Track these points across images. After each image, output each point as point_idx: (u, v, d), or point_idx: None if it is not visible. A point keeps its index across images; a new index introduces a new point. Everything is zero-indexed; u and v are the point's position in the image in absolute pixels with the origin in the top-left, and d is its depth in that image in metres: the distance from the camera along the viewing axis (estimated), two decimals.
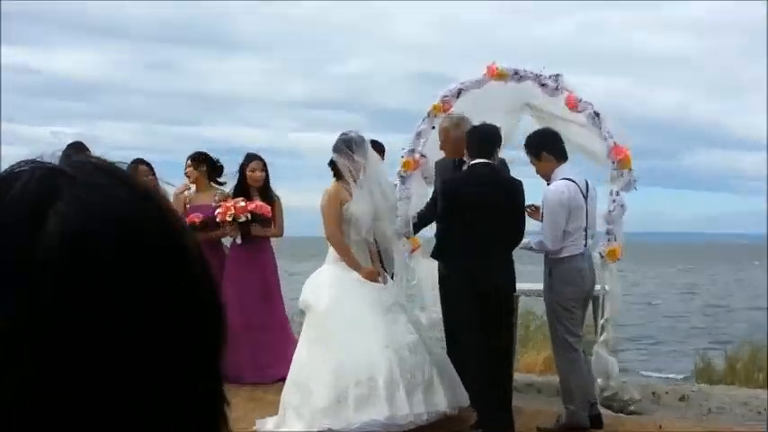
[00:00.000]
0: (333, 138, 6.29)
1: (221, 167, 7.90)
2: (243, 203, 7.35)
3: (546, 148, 6.29)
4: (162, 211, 0.67)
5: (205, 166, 7.78)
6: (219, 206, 7.42)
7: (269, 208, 7.45)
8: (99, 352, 0.61)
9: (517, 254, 6.28)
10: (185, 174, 7.84)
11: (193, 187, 7.87)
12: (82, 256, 0.61)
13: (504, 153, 7.45)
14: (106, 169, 0.67)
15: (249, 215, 7.36)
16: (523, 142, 6.47)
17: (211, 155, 7.89)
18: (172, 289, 0.64)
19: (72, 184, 0.64)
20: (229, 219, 7.32)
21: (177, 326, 0.64)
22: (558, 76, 7.08)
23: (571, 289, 6.17)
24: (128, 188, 0.66)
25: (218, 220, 7.38)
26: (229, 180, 7.79)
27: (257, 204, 7.38)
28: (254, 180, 7.58)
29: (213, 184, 7.88)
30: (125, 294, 0.62)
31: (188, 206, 7.70)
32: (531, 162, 6.39)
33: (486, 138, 6.13)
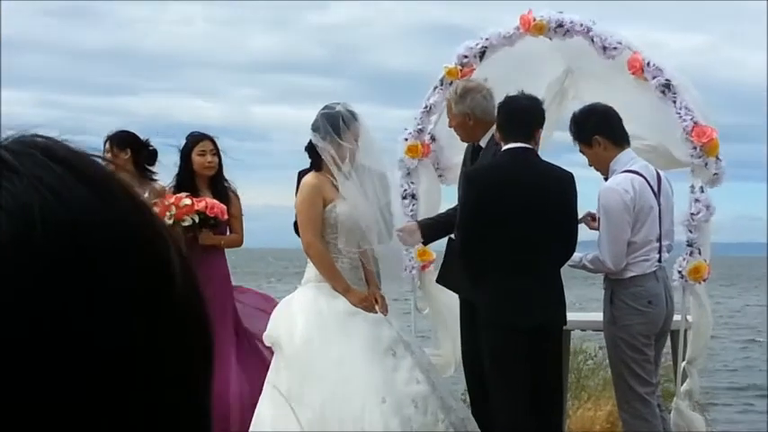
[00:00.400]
0: (312, 113, 6.28)
1: (154, 152, 7.77)
2: (188, 201, 7.23)
3: (600, 129, 6.31)
4: (138, 220, 0.71)
5: (130, 150, 7.65)
6: (156, 205, 7.27)
7: (224, 207, 7.37)
8: (43, 380, 0.66)
9: (566, 273, 6.30)
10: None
11: None
12: (13, 274, 0.65)
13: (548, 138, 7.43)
14: (61, 158, 0.69)
15: (197, 217, 7.23)
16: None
17: (140, 135, 7.76)
18: (142, 319, 0.69)
19: (10, 178, 0.66)
20: (169, 221, 7.18)
21: (150, 361, 0.70)
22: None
23: (641, 320, 6.19)
24: (90, 187, 0.68)
25: None
26: (166, 171, 7.68)
27: (208, 202, 7.28)
28: (204, 167, 7.48)
29: (143, 176, 7.74)
30: (66, 326, 0.66)
31: None
32: (580, 150, 6.44)
33: (522, 113, 6.12)
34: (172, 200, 7.22)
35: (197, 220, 7.24)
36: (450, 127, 6.84)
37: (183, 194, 7.30)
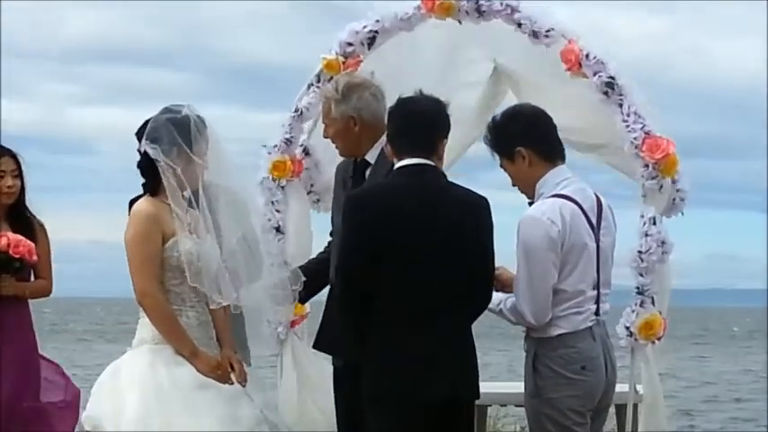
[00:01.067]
0: (146, 115, 6.28)
1: None
2: None
3: (525, 140, 6.31)
4: None
5: None
6: None
7: (32, 245, 7.40)
8: None
9: (484, 324, 6.33)
10: None
11: None
12: None
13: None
14: None
15: None
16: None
17: None
18: None
19: None
20: None
21: None
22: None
23: (572, 392, 6.19)
24: None
25: None
26: None
27: (11, 239, 7.30)
28: (3, 194, 7.50)
29: None
30: None
31: None
32: (501, 165, 6.46)
33: (421, 119, 6.16)
34: None
35: None
36: (326, 137, 6.89)
37: None
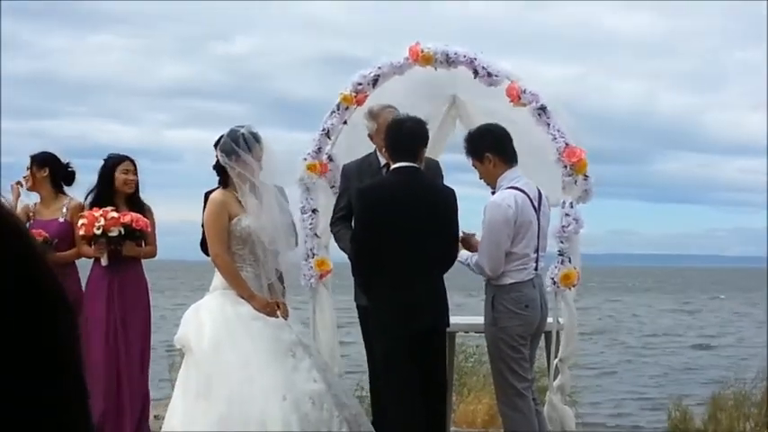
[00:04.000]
0: (218, 134, 6.24)
1: (72, 173, 7.65)
2: (115, 214, 7.13)
3: (493, 148, 6.30)
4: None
5: (48, 169, 7.52)
6: (84, 218, 7.14)
7: (147, 221, 7.30)
8: None
9: (452, 285, 6.28)
10: (24, 178, 7.55)
11: (27, 198, 7.62)
12: None
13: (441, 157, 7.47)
14: None
15: (123, 229, 7.13)
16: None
17: (60, 157, 7.64)
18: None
19: None
20: (98, 232, 7.06)
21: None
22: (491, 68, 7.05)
23: (519, 323, 6.20)
24: None
25: (80, 233, 7.11)
26: (79, 190, 7.59)
27: (133, 216, 7.19)
28: (126, 185, 7.39)
29: (59, 192, 7.62)
30: None
31: (32, 221, 7.42)
32: (473, 165, 6.41)
33: (408, 134, 6.10)
34: (99, 212, 7.13)
35: (123, 232, 7.17)
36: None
37: (109, 208, 7.22)
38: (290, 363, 5.91)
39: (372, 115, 6.85)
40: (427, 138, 6.20)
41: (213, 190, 6.28)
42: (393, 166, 6.13)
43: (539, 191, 6.38)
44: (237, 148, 6.05)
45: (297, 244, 6.51)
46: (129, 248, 7.25)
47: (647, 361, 22.30)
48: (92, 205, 7.30)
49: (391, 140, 6.13)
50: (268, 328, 5.99)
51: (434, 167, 6.89)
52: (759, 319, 35.22)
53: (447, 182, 6.83)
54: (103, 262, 7.19)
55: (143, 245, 7.43)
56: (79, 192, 7.57)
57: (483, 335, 6.57)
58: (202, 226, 6.37)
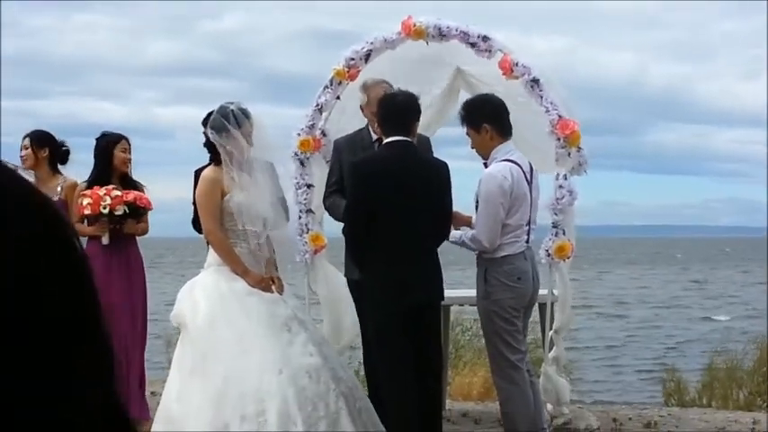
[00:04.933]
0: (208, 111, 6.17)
1: (67, 151, 7.63)
2: (118, 192, 7.11)
3: (491, 119, 6.23)
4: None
5: (48, 149, 7.50)
6: (86, 197, 7.11)
7: (149, 198, 7.29)
8: None
9: (445, 259, 6.25)
10: (21, 158, 7.52)
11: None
12: None
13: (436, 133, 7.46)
14: None
15: (126, 208, 7.12)
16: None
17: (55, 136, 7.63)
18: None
19: None
20: (105, 212, 7.05)
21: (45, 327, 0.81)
22: (486, 37, 7.03)
23: (511, 295, 6.17)
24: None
25: (85, 213, 7.09)
26: (72, 168, 7.58)
27: (135, 195, 7.17)
28: (124, 163, 7.38)
29: (56, 172, 7.60)
30: None
31: None
32: (467, 134, 6.34)
33: (400, 108, 6.06)
34: (103, 191, 7.12)
35: (128, 210, 7.16)
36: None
37: (111, 187, 7.20)
38: (285, 337, 5.89)
39: (365, 88, 6.84)
40: (419, 112, 6.15)
41: (203, 167, 6.24)
42: (385, 140, 6.09)
43: (531, 165, 6.33)
44: (228, 124, 6.00)
45: (288, 219, 6.47)
46: (129, 226, 7.26)
47: (657, 333, 22.38)
48: (90, 184, 7.29)
49: (384, 114, 6.09)
50: (263, 303, 5.97)
51: (425, 143, 6.85)
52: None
53: (438, 156, 6.75)
54: (104, 241, 7.17)
55: (146, 222, 7.46)
56: (72, 170, 7.56)
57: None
58: (194, 204, 6.34)
